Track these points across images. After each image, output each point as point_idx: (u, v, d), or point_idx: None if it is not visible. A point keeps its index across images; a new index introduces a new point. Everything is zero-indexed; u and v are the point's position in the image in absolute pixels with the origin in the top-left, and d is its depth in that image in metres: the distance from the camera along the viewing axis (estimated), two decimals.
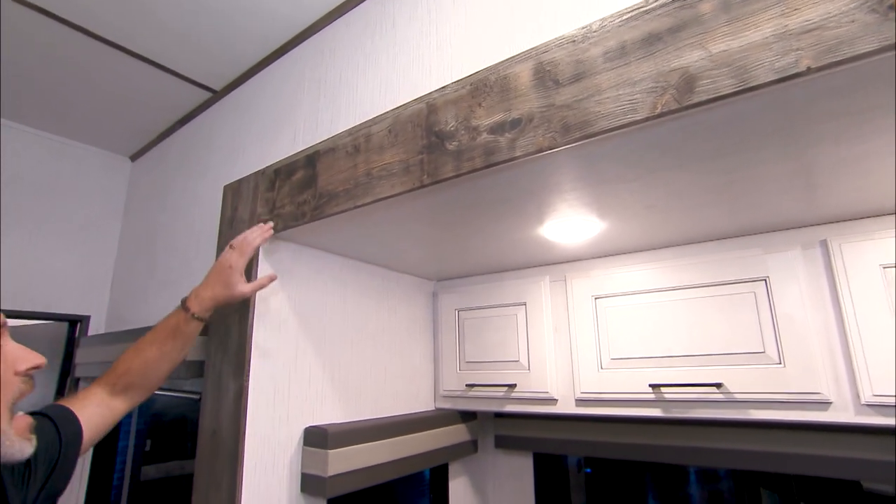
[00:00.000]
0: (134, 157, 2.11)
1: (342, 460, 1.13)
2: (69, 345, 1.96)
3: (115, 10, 1.30)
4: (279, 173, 1.15)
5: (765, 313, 1.08)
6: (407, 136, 0.89)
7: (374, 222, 1.06)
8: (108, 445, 1.93)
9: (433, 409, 1.57)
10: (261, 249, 1.15)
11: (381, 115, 0.96)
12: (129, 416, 2.12)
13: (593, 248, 1.28)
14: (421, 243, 1.24)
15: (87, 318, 1.98)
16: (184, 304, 1.01)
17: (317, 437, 1.13)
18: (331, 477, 1.09)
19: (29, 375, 0.68)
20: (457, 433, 1.54)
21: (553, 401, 1.33)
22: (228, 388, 1.10)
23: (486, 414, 1.71)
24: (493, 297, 1.52)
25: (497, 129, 0.77)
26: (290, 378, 1.16)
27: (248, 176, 1.24)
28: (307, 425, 1.17)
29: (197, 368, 1.24)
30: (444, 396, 1.57)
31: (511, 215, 1.03)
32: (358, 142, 0.98)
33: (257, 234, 1.08)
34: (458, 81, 0.86)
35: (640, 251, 1.30)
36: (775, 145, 0.73)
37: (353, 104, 1.13)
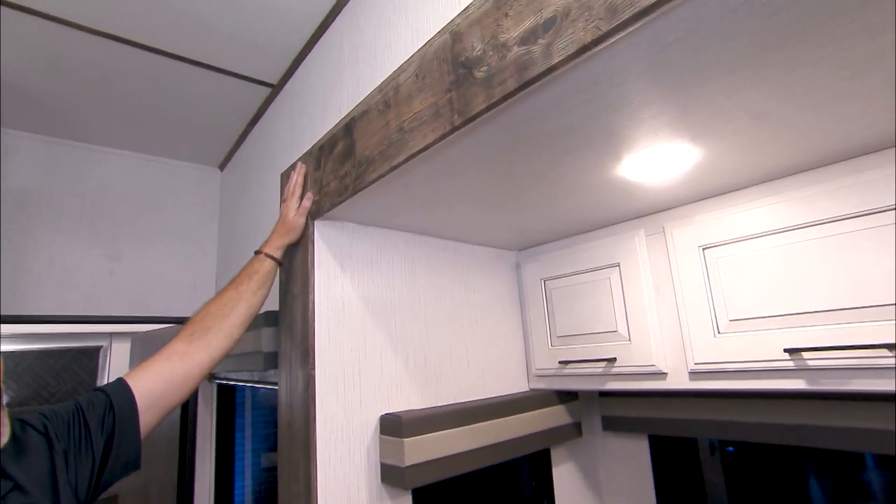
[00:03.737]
0: (222, 166, 2.23)
1: (420, 449, 1.04)
2: None
3: (168, 24, 1.33)
4: (323, 150, 1.08)
5: None
6: (434, 76, 0.76)
7: (418, 184, 0.95)
8: (228, 432, 2.07)
9: (527, 389, 1.44)
10: (316, 233, 1.11)
11: (406, 60, 0.84)
12: (242, 400, 2.28)
13: (692, 188, 1.05)
14: (483, 204, 1.10)
15: None
16: (256, 252, 1.12)
17: (392, 425, 1.06)
18: (409, 467, 1.01)
19: None
20: (555, 415, 1.38)
21: (661, 375, 1.13)
22: (298, 377, 1.07)
23: (589, 393, 1.53)
24: (581, 261, 1.34)
25: (528, 37, 0.61)
26: (360, 364, 1.10)
27: (297, 160, 1.19)
28: (383, 413, 1.10)
29: (274, 360, 1.23)
30: (538, 376, 1.42)
31: (575, 152, 0.85)
32: (388, 97, 0.87)
33: (294, 176, 1.17)
34: None
35: (754, 185, 1.03)
36: None
37: (387, 63, 1.02)
